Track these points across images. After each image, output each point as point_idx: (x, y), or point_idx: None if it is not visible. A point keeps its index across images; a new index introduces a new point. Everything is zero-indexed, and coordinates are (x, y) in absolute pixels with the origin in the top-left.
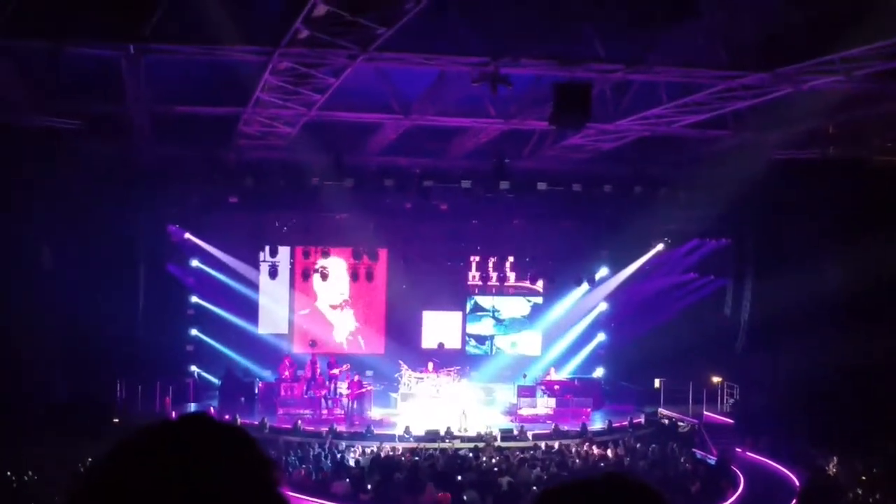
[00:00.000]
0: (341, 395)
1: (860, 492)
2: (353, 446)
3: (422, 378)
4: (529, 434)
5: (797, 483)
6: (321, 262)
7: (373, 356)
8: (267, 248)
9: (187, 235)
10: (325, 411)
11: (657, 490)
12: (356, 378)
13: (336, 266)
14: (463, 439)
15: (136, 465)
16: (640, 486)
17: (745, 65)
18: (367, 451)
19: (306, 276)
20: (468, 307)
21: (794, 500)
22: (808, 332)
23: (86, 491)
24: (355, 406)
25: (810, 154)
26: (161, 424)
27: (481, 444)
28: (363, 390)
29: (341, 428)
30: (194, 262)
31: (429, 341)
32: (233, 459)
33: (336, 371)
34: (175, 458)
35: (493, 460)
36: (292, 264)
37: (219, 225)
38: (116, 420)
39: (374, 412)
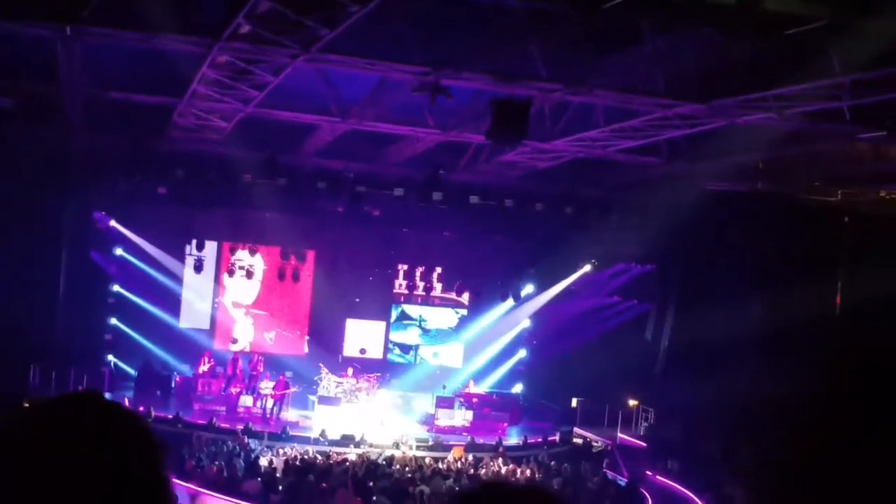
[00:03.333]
0: (264, 394)
1: None
2: (268, 446)
3: (341, 382)
4: (451, 445)
5: None
6: (247, 261)
7: (293, 357)
8: (194, 242)
9: (113, 223)
10: (241, 409)
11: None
12: (283, 377)
13: (258, 265)
14: (378, 446)
15: (19, 441)
16: (551, 495)
17: (682, 95)
18: (282, 451)
19: (231, 273)
20: (395, 315)
21: None
22: (726, 363)
23: None
24: (275, 406)
25: (740, 187)
26: (49, 401)
27: (397, 452)
28: (287, 391)
29: (257, 427)
30: (118, 251)
31: (351, 349)
32: (119, 437)
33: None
34: (60, 433)
35: (407, 468)
36: (218, 260)
37: (146, 215)
38: (27, 405)
39: (291, 413)
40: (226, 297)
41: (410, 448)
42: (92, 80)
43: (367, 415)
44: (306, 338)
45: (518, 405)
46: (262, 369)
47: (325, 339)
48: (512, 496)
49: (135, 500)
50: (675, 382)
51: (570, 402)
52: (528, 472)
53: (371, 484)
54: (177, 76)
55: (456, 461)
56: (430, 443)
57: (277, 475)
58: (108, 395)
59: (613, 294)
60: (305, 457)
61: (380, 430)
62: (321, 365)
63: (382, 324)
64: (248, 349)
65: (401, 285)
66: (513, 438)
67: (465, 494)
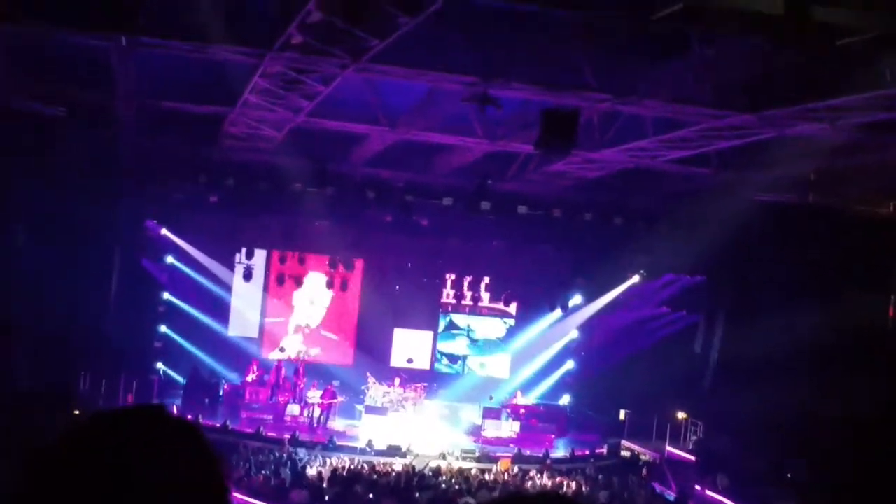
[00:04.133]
0: (312, 403)
1: None
2: (315, 456)
3: (388, 392)
4: (497, 457)
5: None
6: (305, 279)
7: (340, 367)
8: (243, 251)
9: (164, 231)
10: (288, 418)
11: None
12: (331, 387)
13: (314, 281)
14: (424, 457)
15: (80, 451)
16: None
17: (732, 105)
18: (328, 461)
19: (281, 281)
20: (443, 325)
21: None
22: (776, 376)
23: (31, 473)
24: (322, 416)
25: (790, 199)
26: (113, 412)
27: (443, 464)
28: (334, 401)
29: (304, 436)
30: (169, 259)
31: (398, 359)
32: (180, 450)
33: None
34: (122, 444)
35: (453, 480)
36: (267, 268)
37: (197, 223)
38: (77, 412)
39: (338, 423)
40: (291, 318)
41: (457, 459)
42: (144, 90)
43: (413, 425)
44: (353, 347)
45: (565, 417)
46: (305, 378)
47: (373, 349)
48: None
49: None
50: (724, 395)
51: (618, 414)
52: (574, 485)
53: (417, 495)
54: (228, 86)
55: (502, 473)
56: (477, 454)
57: (324, 485)
58: (160, 405)
59: (662, 305)
60: (352, 467)
61: (426, 441)
62: (368, 374)
63: (430, 333)
64: (293, 357)
65: (448, 295)
66: (560, 450)
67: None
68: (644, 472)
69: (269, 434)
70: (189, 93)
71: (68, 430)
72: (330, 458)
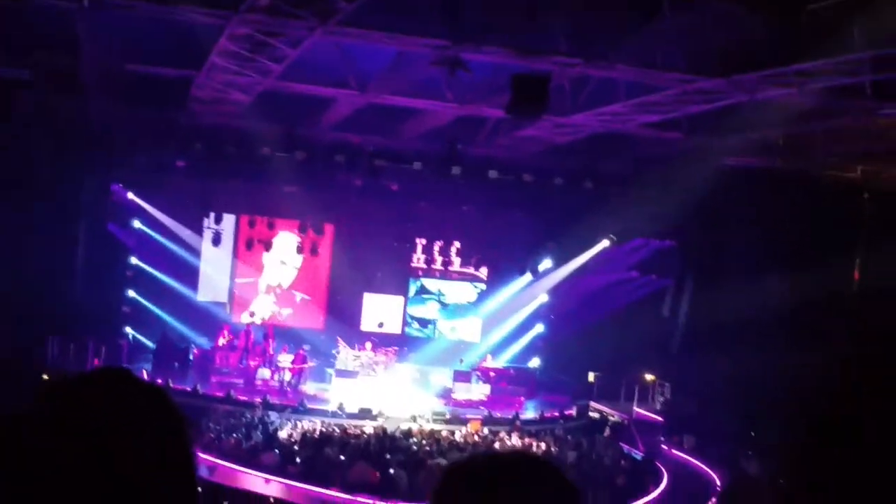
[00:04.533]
0: (282, 367)
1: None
2: (286, 419)
3: (359, 356)
4: (468, 419)
5: (719, 483)
6: (275, 240)
7: (311, 330)
8: (212, 215)
9: (131, 196)
10: (259, 382)
11: (558, 468)
12: (301, 351)
13: (284, 245)
14: (395, 419)
15: (45, 416)
16: (543, 463)
17: (703, 70)
18: (299, 424)
19: (250, 245)
20: (414, 290)
21: (715, 499)
22: (743, 340)
23: None
24: (293, 379)
25: (760, 163)
26: (78, 375)
27: (414, 426)
28: (305, 365)
29: (275, 400)
30: (136, 224)
31: (368, 323)
32: (145, 412)
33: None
34: (87, 407)
35: (424, 442)
36: (236, 233)
37: (164, 188)
38: (45, 377)
39: (309, 387)
40: (261, 279)
41: (427, 421)
42: (110, 53)
43: (384, 388)
44: (324, 312)
45: (535, 379)
46: (275, 342)
47: (344, 313)
48: (501, 465)
49: (165, 475)
50: (692, 358)
51: (587, 376)
52: (543, 445)
53: (388, 457)
54: (196, 49)
55: (472, 435)
56: (447, 416)
57: (295, 447)
58: (126, 368)
59: (632, 269)
60: (323, 429)
61: (397, 404)
62: (339, 338)
63: (400, 298)
64: (266, 320)
65: (419, 259)
66: (529, 412)
67: (453, 467)
68: (607, 432)
69: (240, 398)
70: (155, 56)
71: (34, 394)
72: (301, 421)
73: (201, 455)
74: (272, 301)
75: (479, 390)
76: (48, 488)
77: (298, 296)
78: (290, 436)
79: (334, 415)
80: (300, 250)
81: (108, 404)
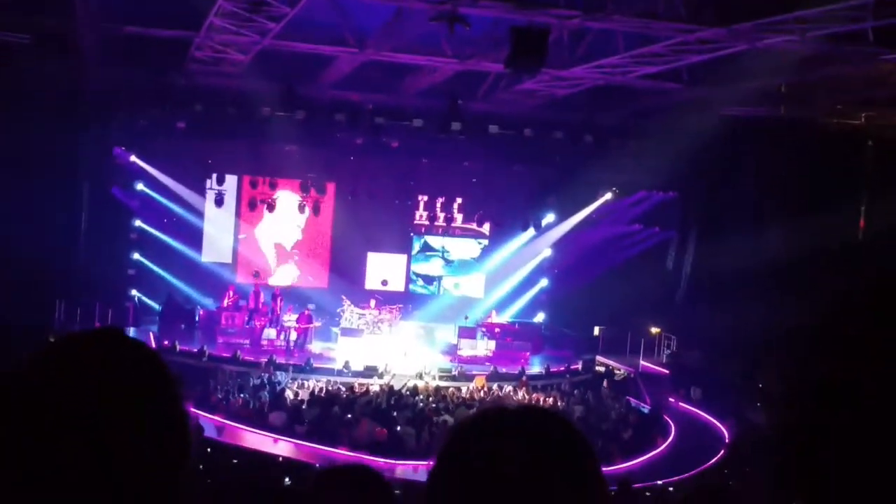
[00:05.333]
0: (288, 327)
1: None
2: (292, 378)
3: (363, 314)
4: (474, 375)
5: (727, 435)
6: (269, 193)
7: (315, 290)
8: (214, 176)
9: (133, 158)
10: (265, 343)
11: (567, 419)
12: (307, 311)
13: (286, 205)
14: (401, 377)
15: (38, 373)
16: (551, 415)
17: (702, 19)
18: (306, 384)
19: (252, 205)
20: (417, 247)
21: (723, 451)
22: (747, 290)
23: None
24: (299, 339)
25: (762, 112)
26: (70, 335)
27: (420, 383)
28: (311, 325)
29: (281, 360)
30: (139, 186)
31: (372, 281)
32: (136, 371)
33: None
34: (79, 366)
35: (430, 399)
36: (239, 193)
37: (166, 150)
38: (52, 340)
39: (315, 346)
40: (263, 236)
41: (433, 378)
42: (108, 15)
43: (390, 346)
44: (328, 271)
45: (540, 334)
46: (282, 302)
47: (347, 272)
48: (508, 418)
49: (156, 434)
50: (696, 310)
51: (593, 330)
52: (549, 400)
53: (395, 414)
54: (194, 9)
55: (479, 391)
56: (453, 373)
57: (303, 407)
58: (133, 330)
59: (635, 222)
60: (330, 388)
61: (403, 361)
62: (343, 297)
63: (404, 256)
64: (270, 282)
65: (421, 216)
66: (535, 367)
67: (461, 423)
68: (605, 383)
69: (247, 358)
70: (153, 17)
71: (31, 354)
72: (307, 380)
73: (209, 416)
74: (275, 263)
75: (484, 346)
76: (36, 448)
77: (299, 256)
78: (297, 395)
79: (340, 373)
80: (302, 209)
81: (99, 362)
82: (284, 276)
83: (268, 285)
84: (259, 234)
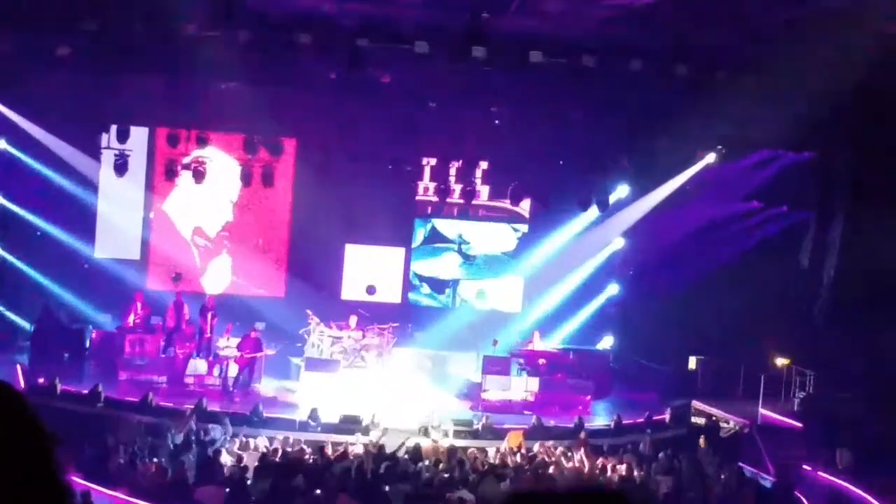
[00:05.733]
0: (225, 357)
1: None
2: (233, 435)
3: (340, 338)
4: (506, 430)
5: None
6: (197, 153)
7: (267, 300)
8: (113, 129)
9: None
10: (190, 380)
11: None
12: (253, 334)
13: (223, 173)
14: (396, 433)
15: None
16: (624, 498)
17: None
18: (253, 442)
19: (171, 173)
20: (421, 235)
21: None
22: None
23: None
24: (242, 375)
25: None
26: None
27: (425, 442)
28: (260, 353)
29: (215, 406)
30: (0, 143)
31: (353, 288)
32: None
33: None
34: None
35: (441, 465)
36: (151, 155)
37: (40, 90)
38: None
39: (266, 385)
40: (179, 215)
41: (445, 435)
42: None
43: (379, 386)
44: (285, 271)
45: (607, 368)
46: (216, 319)
47: (315, 274)
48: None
49: None
50: (844, 331)
51: (686, 362)
52: (621, 468)
53: (387, 489)
54: None
55: (514, 453)
56: (476, 426)
57: (247, 477)
58: None
59: (751, 198)
60: (289, 450)
61: (399, 409)
62: (309, 312)
63: (401, 250)
64: (200, 290)
65: (427, 189)
66: (600, 419)
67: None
68: (703, 442)
69: (164, 403)
70: None
71: None
72: (255, 437)
73: (105, 490)
74: (204, 261)
75: (522, 386)
76: None
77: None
78: (240, 460)
79: (305, 427)
80: (247, 179)
81: None
82: (217, 278)
83: (196, 294)
84: (172, 211)
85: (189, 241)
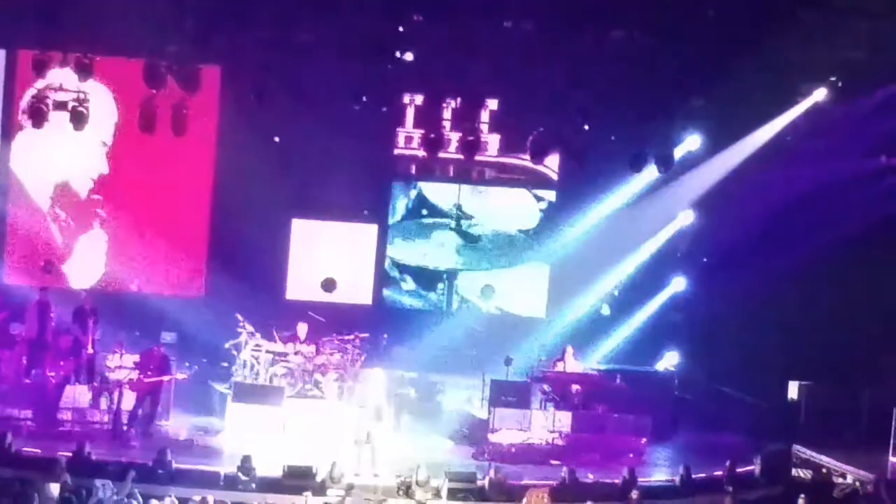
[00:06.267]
0: (117, 381)
1: None
2: (127, 495)
3: (284, 354)
4: (524, 487)
5: None
6: (77, 86)
7: (178, 300)
8: None
9: None
10: (66, 414)
11: None
12: (157, 350)
13: (112, 113)
14: (365, 491)
15: None
16: None
17: None
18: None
19: (38, 113)
20: (402, 206)
21: None
22: None
23: None
24: (140, 409)
25: None
26: None
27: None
28: (166, 377)
29: (102, 452)
30: None
31: (302, 286)
32: None
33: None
34: None
35: None
36: (9, 88)
37: None
38: None
39: (175, 423)
40: (66, 192)
41: (437, 495)
42: None
43: (340, 423)
44: (204, 260)
45: (670, 398)
46: (99, 329)
47: (248, 262)
48: None
49: None
50: None
51: (785, 390)
52: None
53: None
54: None
55: None
56: (480, 483)
57: None
58: None
59: (877, 153)
60: None
61: (368, 457)
62: (239, 317)
63: (373, 227)
64: (75, 285)
65: (410, 140)
66: (660, 471)
67: None
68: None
69: (26, 450)
70: None
71: None
72: (161, 498)
73: None
74: (88, 242)
75: (544, 423)
76: None
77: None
78: None
79: (233, 483)
80: (146, 125)
81: None
82: (87, 264)
83: (71, 290)
84: (22, 167)
85: (45, 209)
